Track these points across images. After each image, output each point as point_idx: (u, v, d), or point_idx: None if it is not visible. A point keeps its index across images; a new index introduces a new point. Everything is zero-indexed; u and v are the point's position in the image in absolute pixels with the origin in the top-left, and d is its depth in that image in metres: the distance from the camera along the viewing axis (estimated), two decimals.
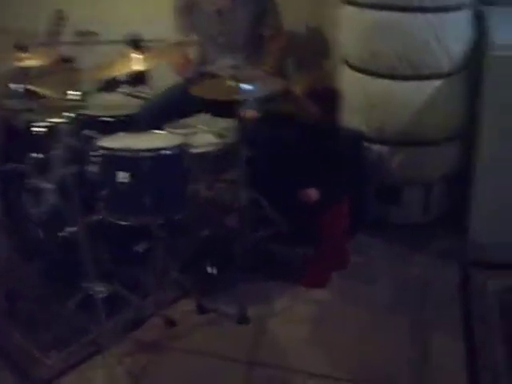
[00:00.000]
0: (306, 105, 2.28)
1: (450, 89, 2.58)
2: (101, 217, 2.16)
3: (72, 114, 2.12)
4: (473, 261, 2.58)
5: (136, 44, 1.98)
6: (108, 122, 2.80)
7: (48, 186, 2.27)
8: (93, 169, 2.11)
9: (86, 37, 3.45)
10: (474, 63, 2.65)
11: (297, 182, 2.37)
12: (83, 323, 2.21)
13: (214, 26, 2.85)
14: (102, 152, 2.07)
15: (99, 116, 2.80)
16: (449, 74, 2.55)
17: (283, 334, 2.25)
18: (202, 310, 2.38)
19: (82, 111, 2.31)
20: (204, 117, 2.78)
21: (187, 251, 2.65)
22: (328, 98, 2.29)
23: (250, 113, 2.24)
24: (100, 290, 2.05)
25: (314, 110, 2.26)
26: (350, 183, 2.39)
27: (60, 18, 2.60)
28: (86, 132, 2.31)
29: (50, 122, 2.34)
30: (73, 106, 1.98)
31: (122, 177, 2.02)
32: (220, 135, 2.51)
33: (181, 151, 2.11)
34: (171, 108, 2.74)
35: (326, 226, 2.36)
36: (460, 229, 2.79)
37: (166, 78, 2.88)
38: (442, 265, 2.61)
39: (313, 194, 2.28)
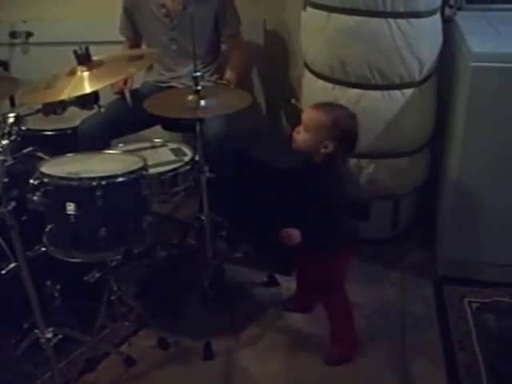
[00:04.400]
0: None
1: (422, 98, 2.45)
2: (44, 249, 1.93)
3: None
4: (445, 277, 2.50)
5: (85, 58, 1.73)
6: (52, 136, 2.56)
7: None
8: (35, 198, 1.86)
9: (21, 38, 3.20)
10: (443, 70, 2.55)
11: (264, 207, 2.19)
12: (31, 368, 1.99)
13: (165, 31, 2.60)
14: (45, 180, 1.81)
15: (42, 130, 2.56)
16: (420, 83, 2.42)
17: (254, 369, 2.08)
18: (163, 344, 2.18)
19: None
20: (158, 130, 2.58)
21: (143, 277, 2.46)
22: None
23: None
24: (49, 336, 1.81)
25: None
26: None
27: None
28: (28, 150, 2.06)
29: None
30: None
31: (71, 208, 1.78)
32: (178, 152, 2.31)
33: (139, 176, 1.88)
34: (121, 121, 2.50)
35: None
36: (429, 243, 2.72)
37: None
38: (416, 283, 2.51)
39: (294, 235, 1.90)
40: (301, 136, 1.90)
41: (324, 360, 2.09)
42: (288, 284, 2.46)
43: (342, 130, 1.85)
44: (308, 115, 1.91)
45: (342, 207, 1.96)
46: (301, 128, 1.90)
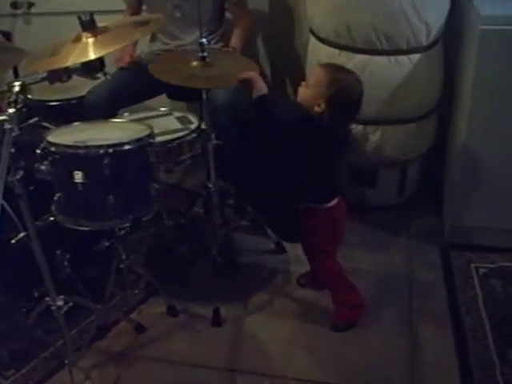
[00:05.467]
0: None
1: (429, 63, 2.42)
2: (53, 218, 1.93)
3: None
4: (452, 243, 2.50)
5: (89, 25, 1.71)
6: (58, 106, 2.55)
7: None
8: (43, 167, 1.86)
9: (23, 9, 3.16)
10: (451, 35, 2.52)
11: (269, 173, 2.19)
12: (43, 336, 2.02)
13: None
14: (52, 149, 1.81)
15: (47, 101, 2.55)
16: (427, 48, 2.39)
17: (263, 335, 2.11)
18: (172, 312, 2.21)
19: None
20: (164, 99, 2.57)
21: (151, 246, 2.48)
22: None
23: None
24: (59, 304, 1.82)
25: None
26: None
27: None
28: (34, 121, 2.05)
29: None
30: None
31: (79, 177, 1.78)
32: (184, 120, 2.30)
33: (146, 144, 1.87)
34: (127, 90, 2.49)
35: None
36: (436, 210, 2.72)
37: None
38: (423, 249, 2.51)
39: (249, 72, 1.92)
40: (302, 90, 1.92)
41: (329, 327, 2.11)
42: (295, 251, 2.47)
43: (337, 91, 1.84)
44: (314, 72, 1.93)
45: (327, 165, 2.00)
46: (305, 82, 1.93)
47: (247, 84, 1.89)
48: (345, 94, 1.85)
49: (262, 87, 1.86)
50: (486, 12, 2.13)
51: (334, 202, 2.02)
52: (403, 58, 2.36)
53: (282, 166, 2.09)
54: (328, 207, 2.01)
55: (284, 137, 1.93)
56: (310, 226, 2.05)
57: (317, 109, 1.86)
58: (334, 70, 1.93)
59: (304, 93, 1.91)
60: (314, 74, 1.91)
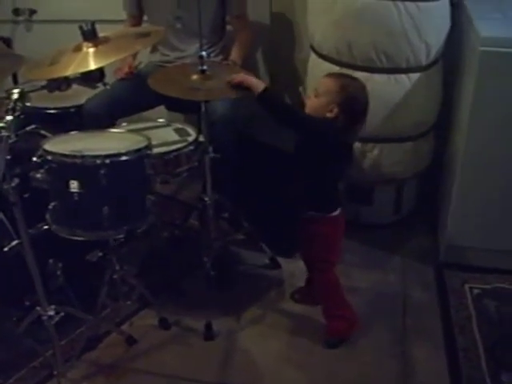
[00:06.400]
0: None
1: (428, 83, 2.43)
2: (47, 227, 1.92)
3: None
4: (446, 263, 2.50)
5: (90, 34, 1.70)
6: (56, 114, 2.54)
7: None
8: (39, 175, 1.85)
9: (25, 15, 3.16)
10: (450, 56, 2.53)
11: (267, 188, 2.18)
12: (33, 345, 1.99)
13: (170, 9, 2.56)
14: (49, 158, 1.80)
15: (45, 108, 2.54)
16: (426, 68, 2.40)
17: (255, 350, 2.09)
18: (164, 324, 2.19)
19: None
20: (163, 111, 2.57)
21: (145, 257, 2.47)
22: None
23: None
24: (51, 314, 1.81)
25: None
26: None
27: None
28: (31, 128, 2.04)
29: None
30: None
31: (75, 186, 1.77)
32: (181, 132, 2.30)
33: (143, 155, 1.87)
34: (126, 100, 2.48)
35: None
36: (431, 229, 2.72)
37: None
38: (418, 268, 2.51)
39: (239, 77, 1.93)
40: (311, 100, 1.94)
41: (322, 344, 2.10)
42: (290, 266, 2.47)
43: (348, 95, 1.88)
44: (320, 82, 1.96)
45: (337, 175, 2.05)
46: (312, 94, 1.95)
47: (243, 89, 1.91)
48: (354, 98, 1.90)
49: (257, 84, 1.88)
50: (486, 34, 2.14)
51: (339, 211, 2.03)
52: (402, 77, 2.37)
53: (290, 175, 2.08)
54: (333, 216, 2.02)
55: (304, 136, 1.95)
56: (314, 233, 2.05)
57: (329, 115, 1.88)
58: (342, 77, 1.99)
59: (313, 102, 1.93)
60: (322, 84, 1.93)
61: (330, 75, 2.00)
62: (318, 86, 1.95)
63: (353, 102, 1.89)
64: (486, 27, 2.19)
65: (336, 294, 2.11)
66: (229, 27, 2.73)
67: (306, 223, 2.05)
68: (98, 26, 1.81)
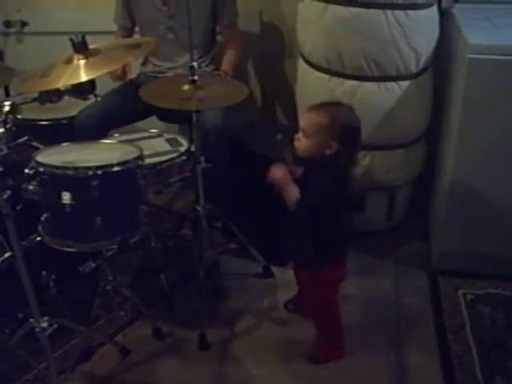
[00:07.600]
0: None
1: (418, 90, 2.45)
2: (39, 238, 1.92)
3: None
4: (439, 269, 2.50)
5: (81, 47, 1.71)
6: (48, 126, 2.55)
7: None
8: (31, 187, 1.85)
9: (16, 27, 3.17)
10: (440, 63, 2.55)
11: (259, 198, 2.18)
12: (26, 358, 1.98)
13: (162, 19, 2.58)
14: (41, 169, 1.80)
15: (37, 120, 2.55)
16: (416, 75, 2.42)
17: (249, 360, 2.08)
18: (158, 335, 2.18)
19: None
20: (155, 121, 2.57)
21: (138, 267, 2.46)
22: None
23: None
24: (44, 325, 1.80)
25: None
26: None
27: None
28: (23, 140, 2.04)
29: None
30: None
31: (67, 198, 1.77)
32: (174, 142, 2.30)
33: (135, 166, 1.87)
34: (118, 111, 2.49)
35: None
36: (424, 235, 2.73)
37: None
38: (411, 275, 2.51)
39: (276, 172, 1.84)
40: (302, 143, 1.83)
41: (307, 357, 2.08)
42: (283, 276, 2.46)
43: (342, 125, 1.79)
44: (305, 120, 1.85)
45: (341, 209, 1.94)
46: (300, 135, 1.84)
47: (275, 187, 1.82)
48: (349, 125, 1.81)
49: (292, 194, 1.79)
50: (475, 41, 2.16)
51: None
52: (392, 85, 2.39)
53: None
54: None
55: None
56: (321, 279, 1.98)
57: (328, 151, 1.78)
58: (326, 107, 1.85)
59: (306, 144, 1.82)
60: (308, 122, 1.82)
61: (311, 110, 1.85)
62: (303, 125, 1.83)
63: (349, 130, 1.80)
64: (474, 35, 2.21)
65: (335, 325, 2.08)
66: (219, 37, 2.75)
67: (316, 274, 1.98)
68: (88, 38, 1.81)
